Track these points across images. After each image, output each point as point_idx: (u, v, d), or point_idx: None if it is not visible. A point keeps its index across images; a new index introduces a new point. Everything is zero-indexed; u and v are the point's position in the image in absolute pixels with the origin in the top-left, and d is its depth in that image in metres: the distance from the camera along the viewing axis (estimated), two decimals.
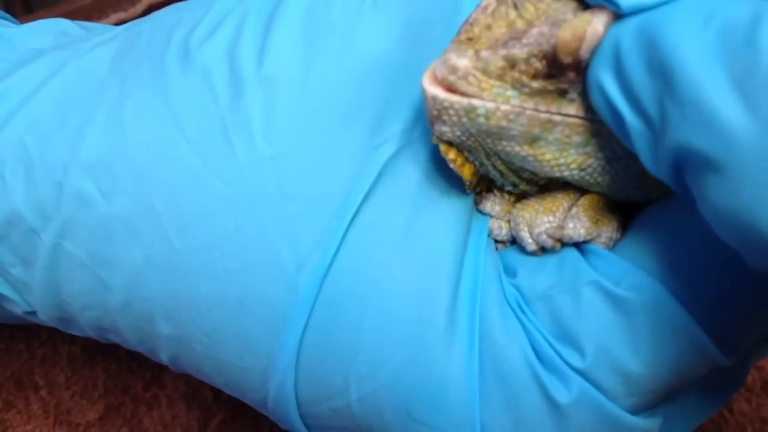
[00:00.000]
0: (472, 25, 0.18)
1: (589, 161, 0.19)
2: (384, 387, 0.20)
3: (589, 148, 0.19)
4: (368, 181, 0.20)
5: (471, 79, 0.18)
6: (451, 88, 0.18)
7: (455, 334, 0.20)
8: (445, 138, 0.19)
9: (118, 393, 0.34)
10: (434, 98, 0.18)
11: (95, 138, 0.21)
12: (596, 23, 0.17)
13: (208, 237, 0.20)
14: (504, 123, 0.18)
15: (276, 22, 0.21)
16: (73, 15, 0.45)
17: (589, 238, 0.20)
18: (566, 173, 0.19)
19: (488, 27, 0.18)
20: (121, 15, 0.43)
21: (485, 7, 0.18)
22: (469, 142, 0.19)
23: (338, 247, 0.20)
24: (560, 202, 0.21)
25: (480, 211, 0.22)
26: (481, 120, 0.18)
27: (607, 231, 0.21)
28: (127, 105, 0.21)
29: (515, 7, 0.18)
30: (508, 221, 0.21)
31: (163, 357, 0.23)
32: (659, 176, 0.17)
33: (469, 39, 0.18)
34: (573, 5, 0.18)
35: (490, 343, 0.20)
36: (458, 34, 0.18)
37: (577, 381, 0.19)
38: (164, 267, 0.21)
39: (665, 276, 0.19)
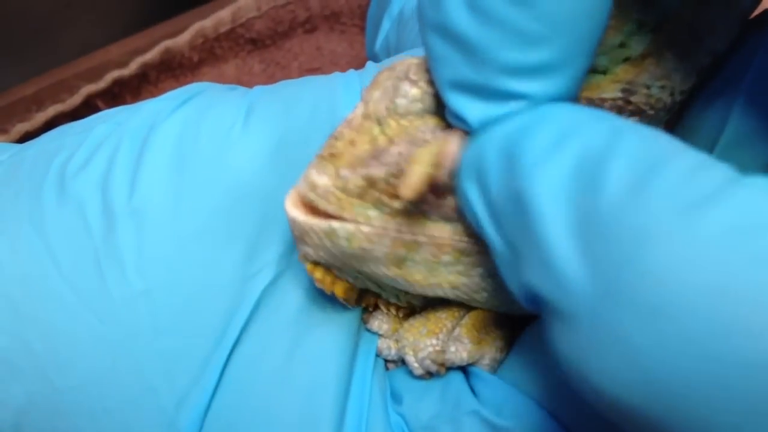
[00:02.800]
0: (336, 139, 0.17)
1: (462, 280, 0.18)
2: None
3: (460, 267, 0.18)
4: (245, 312, 0.20)
5: (331, 197, 0.17)
6: (312, 206, 0.17)
7: None
8: (311, 258, 0.18)
9: None
10: (294, 221, 0.17)
11: None
12: (450, 147, 0.16)
13: (86, 375, 0.20)
14: (367, 245, 0.17)
15: (147, 151, 0.21)
16: (14, 107, 0.45)
17: (471, 361, 0.20)
18: (439, 292, 0.19)
19: (352, 142, 0.17)
20: (59, 107, 0.43)
21: (350, 121, 0.18)
22: (337, 263, 0.18)
23: (217, 383, 0.19)
24: (443, 323, 0.20)
25: (368, 330, 0.21)
26: (343, 243, 0.17)
27: (491, 352, 0.20)
28: (2, 238, 0.21)
29: (379, 123, 0.17)
30: (397, 341, 0.21)
31: None
32: (520, 301, 0.16)
33: (332, 155, 0.17)
34: (433, 123, 0.17)
35: None
36: (322, 148, 0.18)
37: None
38: (46, 406, 0.20)
39: (546, 399, 0.18)
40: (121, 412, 0.20)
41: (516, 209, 0.14)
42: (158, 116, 0.22)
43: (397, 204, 0.17)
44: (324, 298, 0.20)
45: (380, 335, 0.21)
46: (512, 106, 0.15)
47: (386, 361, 0.21)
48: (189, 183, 0.20)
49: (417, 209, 0.17)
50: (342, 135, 0.17)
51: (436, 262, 0.18)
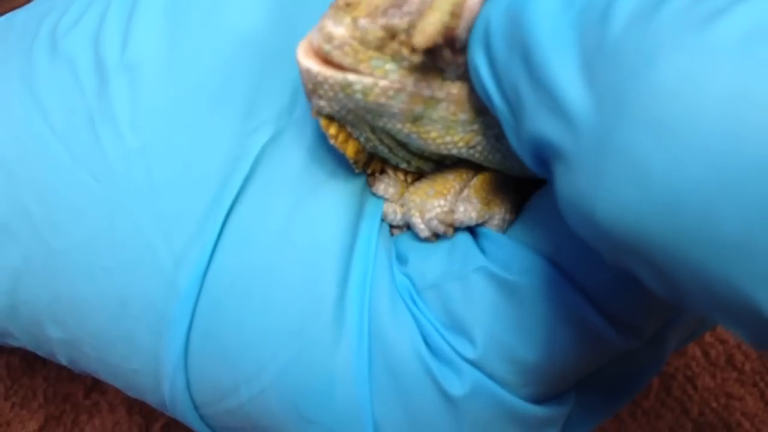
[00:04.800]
0: None
1: (477, 139, 0.18)
2: (272, 387, 0.19)
3: (475, 126, 0.17)
4: (244, 170, 0.19)
5: (347, 49, 0.16)
6: (326, 59, 0.16)
7: (343, 328, 0.18)
8: (324, 112, 0.17)
9: (58, 401, 0.33)
10: (308, 71, 0.16)
11: None
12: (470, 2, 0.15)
13: (83, 235, 0.19)
14: (383, 100, 0.16)
15: (139, 5, 0.20)
16: None
17: (481, 221, 0.19)
18: (454, 151, 0.18)
19: None
20: None
21: None
22: (350, 117, 0.17)
23: (216, 242, 0.19)
24: (451, 184, 0.19)
25: (374, 194, 0.20)
26: (359, 96, 0.16)
27: (500, 213, 0.19)
28: None
29: None
30: (402, 205, 0.20)
31: (62, 360, 0.22)
32: (526, 164, 0.15)
33: (348, 5, 0.16)
34: None
35: (380, 337, 0.18)
36: None
37: (470, 372, 0.18)
38: (43, 268, 0.20)
39: (557, 257, 0.18)
40: (120, 271, 0.19)
41: (520, 60, 0.14)
42: None
43: (416, 57, 0.16)
44: (328, 157, 0.19)
45: (386, 199, 0.20)
46: None
47: (391, 227, 0.21)
48: (183, 37, 0.19)
49: (434, 65, 0.16)
50: None
51: (454, 120, 0.17)
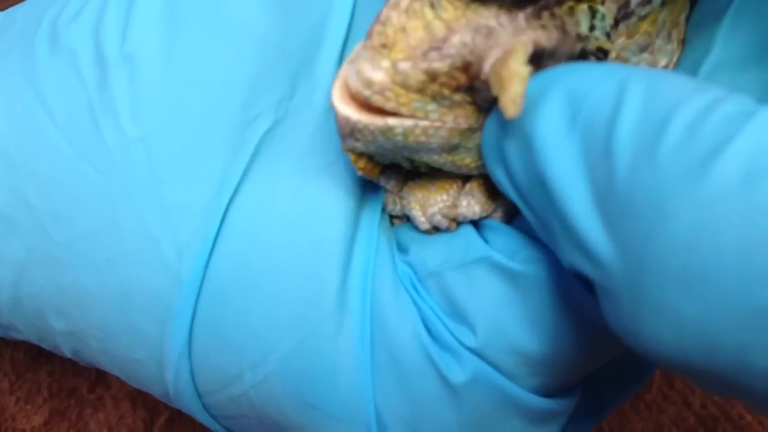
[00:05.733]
0: (384, 25, 0.16)
1: None
2: (276, 373, 0.19)
3: None
4: (244, 159, 0.19)
5: (389, 94, 0.16)
6: (365, 103, 0.16)
7: (345, 315, 0.18)
8: (357, 151, 0.18)
9: (63, 396, 0.33)
10: (347, 119, 0.16)
11: None
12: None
13: (86, 227, 0.19)
14: (423, 139, 0.16)
15: None
16: None
17: (484, 214, 0.19)
18: (484, 171, 0.18)
19: (403, 29, 0.16)
20: None
21: (397, 3, 0.16)
22: (385, 154, 0.18)
23: (218, 232, 0.19)
24: (454, 179, 0.19)
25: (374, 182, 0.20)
26: (399, 138, 0.16)
27: (503, 205, 0.19)
28: None
29: (431, 5, 0.16)
30: (401, 197, 0.20)
31: (66, 352, 0.22)
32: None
33: (384, 45, 0.16)
34: (495, 8, 0.16)
35: (382, 324, 0.18)
36: (370, 36, 0.16)
37: (471, 360, 0.18)
38: (46, 261, 0.20)
39: None
40: (123, 262, 0.19)
41: (540, 188, 0.15)
42: None
43: (457, 96, 0.16)
44: (328, 145, 0.19)
45: (386, 190, 0.20)
46: None
47: (391, 217, 0.21)
48: (183, 28, 0.20)
49: (473, 100, 0.16)
50: (390, 20, 0.16)
51: None
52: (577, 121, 0.14)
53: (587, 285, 0.17)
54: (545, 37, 0.16)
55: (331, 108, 0.20)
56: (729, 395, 0.13)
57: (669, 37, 0.19)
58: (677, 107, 0.12)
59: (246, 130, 0.19)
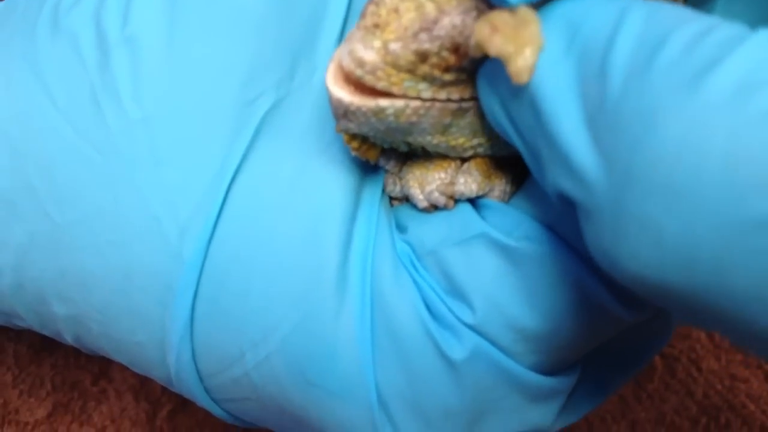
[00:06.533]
0: (378, 5, 0.16)
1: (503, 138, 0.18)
2: (277, 352, 0.19)
3: None
4: (246, 139, 0.19)
5: (380, 73, 0.16)
6: (358, 83, 0.16)
7: (346, 293, 0.19)
8: (351, 132, 0.18)
9: (66, 389, 0.33)
10: (339, 101, 0.17)
11: None
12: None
13: (88, 209, 0.19)
14: (414, 119, 0.17)
15: None
16: None
17: (481, 193, 0.19)
18: (479, 150, 0.18)
19: (396, 10, 0.16)
20: None
21: None
22: (377, 135, 0.18)
23: (219, 211, 0.19)
24: (451, 157, 0.19)
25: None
26: (391, 119, 0.17)
27: (501, 184, 0.20)
28: None
29: None
30: (400, 177, 0.20)
31: (68, 338, 0.22)
32: (552, 200, 0.16)
33: (376, 25, 0.16)
34: None
35: (382, 301, 0.19)
36: (363, 16, 0.16)
37: (470, 337, 0.18)
38: (48, 244, 0.20)
39: (560, 226, 0.18)
40: (126, 244, 0.19)
41: (531, 113, 0.14)
42: None
43: (447, 76, 0.16)
44: (328, 125, 0.20)
45: (386, 170, 0.20)
46: None
47: (390, 198, 0.21)
48: (183, 10, 0.20)
49: (466, 77, 0.17)
50: (383, 1, 0.16)
51: (481, 125, 0.18)
52: (573, 43, 0.14)
53: (586, 260, 0.17)
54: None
55: None
56: (705, 324, 0.13)
57: None
58: (675, 29, 0.12)
59: (247, 110, 0.19)
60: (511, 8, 0.14)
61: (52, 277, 0.20)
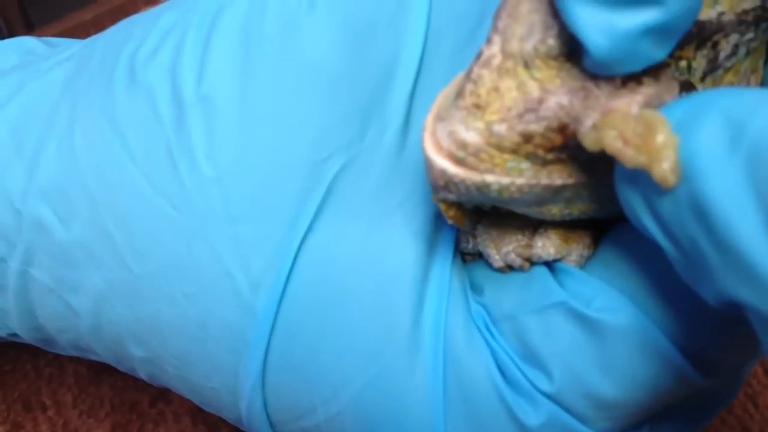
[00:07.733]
0: (476, 84, 0.16)
1: (594, 206, 0.18)
2: (348, 409, 0.19)
3: (594, 195, 0.17)
4: (317, 199, 0.19)
5: (483, 155, 0.16)
6: (459, 162, 0.16)
7: (418, 354, 0.19)
8: (449, 201, 0.18)
9: (124, 410, 0.34)
10: (443, 172, 0.16)
11: (49, 164, 0.21)
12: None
13: (164, 261, 0.20)
14: (518, 195, 0.16)
15: (214, 36, 0.21)
16: (73, 31, 0.45)
17: (558, 256, 0.19)
18: (567, 218, 0.18)
19: (496, 89, 0.16)
20: None
21: (488, 61, 0.16)
22: (471, 201, 0.18)
23: (291, 268, 0.19)
24: (528, 218, 0.19)
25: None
26: (494, 194, 0.16)
27: (578, 249, 0.19)
28: (77, 128, 0.21)
29: (525, 65, 0.16)
30: (474, 236, 0.20)
31: (142, 375, 0.23)
32: (708, 302, 0.15)
33: (476, 105, 0.16)
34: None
35: (455, 364, 0.19)
36: (462, 95, 0.16)
37: (546, 404, 0.18)
38: (126, 292, 0.20)
39: (639, 296, 0.18)
40: (201, 296, 0.20)
41: (691, 215, 0.13)
42: (224, 0, 0.21)
43: (551, 156, 0.16)
44: (399, 184, 0.20)
45: (459, 228, 0.20)
46: (644, 16, 0.13)
47: (463, 254, 0.21)
48: (257, 67, 0.20)
49: (567, 157, 0.16)
50: (482, 79, 0.16)
51: (576, 197, 0.17)
52: (740, 144, 0.12)
53: (666, 332, 0.17)
54: (649, 92, 0.15)
55: (400, 147, 0.20)
56: None
57: (748, 83, 0.18)
58: None
59: (318, 169, 0.19)
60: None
61: (129, 322, 0.21)
